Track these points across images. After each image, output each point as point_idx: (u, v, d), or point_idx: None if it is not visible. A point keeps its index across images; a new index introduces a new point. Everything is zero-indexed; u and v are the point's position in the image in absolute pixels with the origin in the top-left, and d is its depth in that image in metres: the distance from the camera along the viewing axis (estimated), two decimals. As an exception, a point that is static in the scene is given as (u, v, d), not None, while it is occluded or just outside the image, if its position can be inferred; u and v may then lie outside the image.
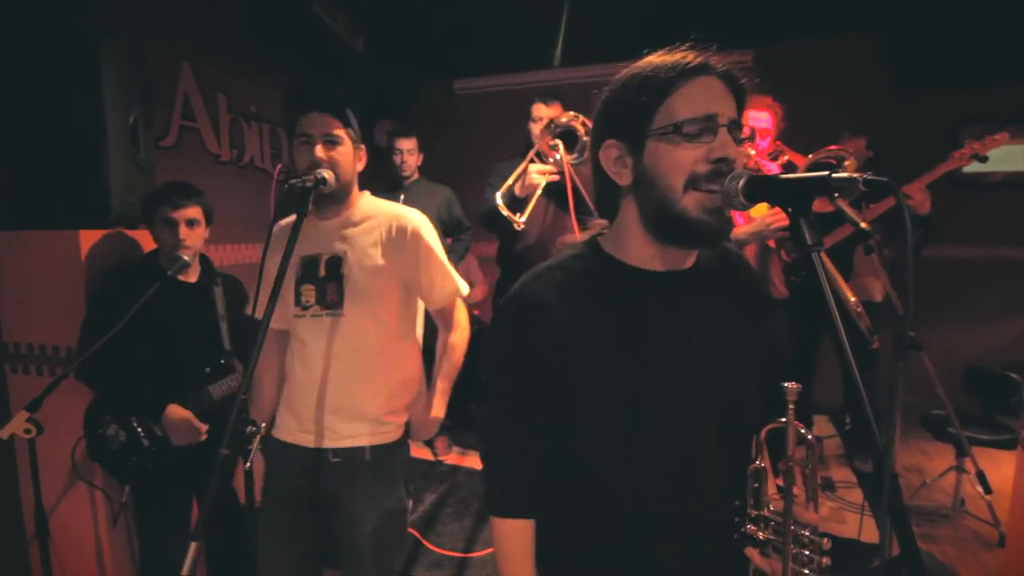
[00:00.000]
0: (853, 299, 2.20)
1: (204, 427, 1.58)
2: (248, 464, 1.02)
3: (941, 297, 3.42)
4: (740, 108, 0.74)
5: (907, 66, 3.52)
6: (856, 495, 2.65)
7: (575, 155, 2.10)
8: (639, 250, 0.78)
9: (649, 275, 0.79)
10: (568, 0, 3.38)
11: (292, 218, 1.20)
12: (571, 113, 2.12)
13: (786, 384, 0.72)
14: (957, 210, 3.16)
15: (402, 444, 1.34)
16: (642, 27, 2.27)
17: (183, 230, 1.61)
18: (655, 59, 0.74)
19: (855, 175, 0.55)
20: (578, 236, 0.91)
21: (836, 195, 0.58)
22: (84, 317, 1.63)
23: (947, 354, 2.95)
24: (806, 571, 0.71)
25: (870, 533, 2.09)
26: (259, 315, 1.08)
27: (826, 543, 0.70)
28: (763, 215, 1.93)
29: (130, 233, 1.87)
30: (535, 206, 2.16)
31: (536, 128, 2.34)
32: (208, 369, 1.66)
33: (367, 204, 1.34)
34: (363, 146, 1.33)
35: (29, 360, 1.84)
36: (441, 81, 4.50)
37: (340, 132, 1.26)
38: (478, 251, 3.88)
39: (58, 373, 1.67)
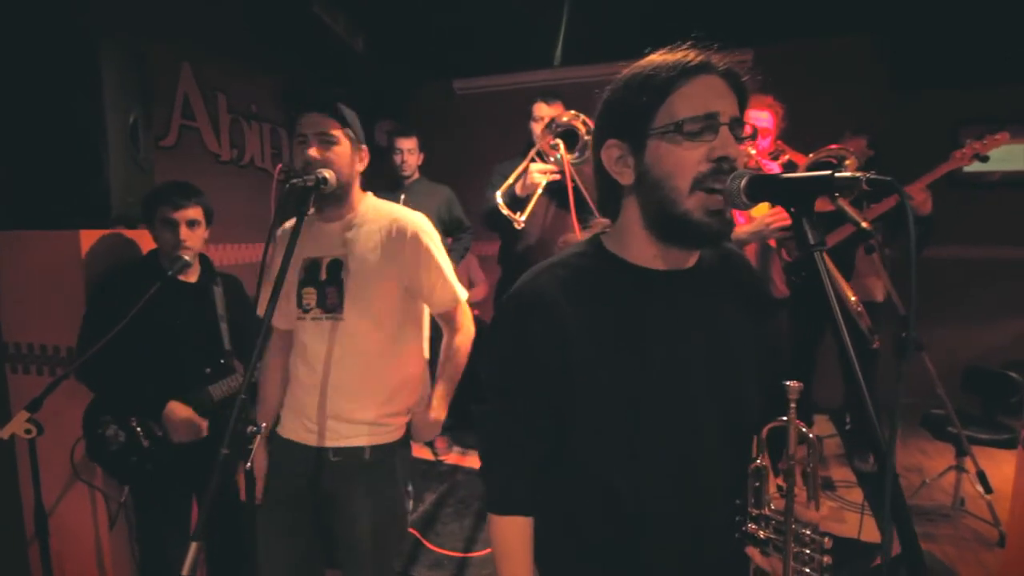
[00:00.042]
0: (853, 299, 2.20)
1: (204, 423, 1.58)
2: (248, 464, 1.02)
3: (941, 297, 3.42)
4: (742, 106, 0.74)
5: (907, 66, 3.52)
6: (856, 494, 2.65)
7: (576, 154, 2.10)
8: (641, 249, 0.78)
9: (651, 274, 0.79)
10: (568, 0, 3.37)
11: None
12: (572, 112, 2.12)
13: (788, 383, 0.72)
14: (957, 210, 3.16)
15: (403, 444, 1.34)
16: (642, 27, 2.28)
17: (184, 231, 1.61)
18: (656, 58, 0.74)
19: (858, 174, 0.55)
20: (579, 236, 0.91)
21: (836, 195, 0.58)
22: (83, 317, 1.63)
23: (947, 354, 2.95)
24: (807, 570, 0.71)
25: (870, 532, 2.09)
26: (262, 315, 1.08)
27: (827, 542, 0.70)
28: (763, 214, 1.93)
29: (130, 233, 1.87)
30: (536, 205, 2.16)
31: (537, 127, 2.34)
32: (208, 370, 1.66)
33: (369, 206, 1.34)
34: (364, 146, 1.32)
35: (29, 360, 1.84)
36: (441, 81, 4.50)
37: (336, 131, 1.25)
38: (478, 251, 3.88)
39: (58, 373, 1.67)
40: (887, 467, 0.52)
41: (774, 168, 2.22)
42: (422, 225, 1.30)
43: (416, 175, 3.12)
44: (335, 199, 1.28)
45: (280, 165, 1.29)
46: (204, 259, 1.76)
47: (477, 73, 4.36)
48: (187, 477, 1.62)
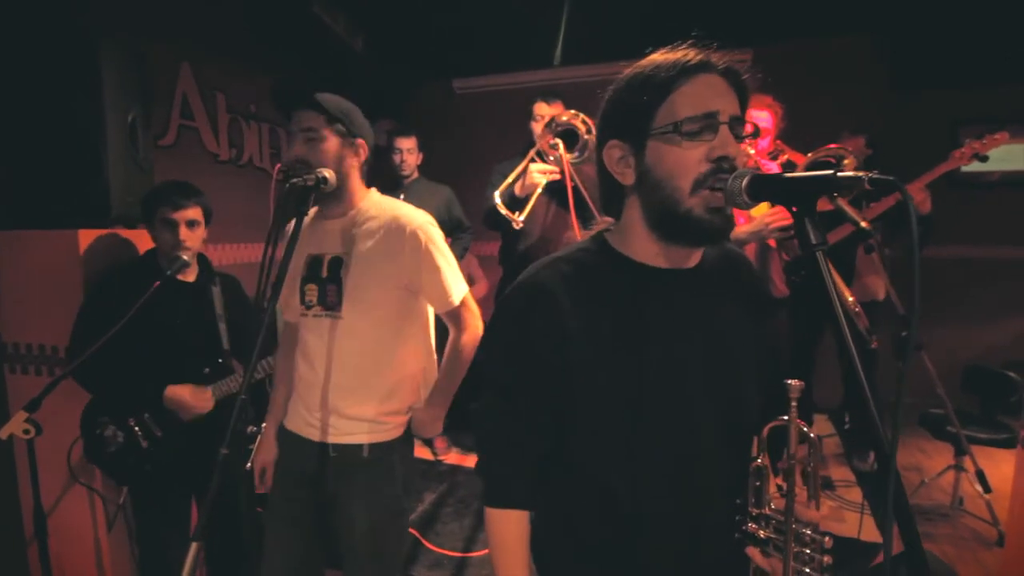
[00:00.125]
0: (851, 299, 2.20)
1: (208, 391, 1.59)
2: (248, 465, 1.02)
3: (941, 297, 3.43)
4: (743, 104, 0.74)
5: (907, 66, 3.52)
6: (855, 494, 2.65)
7: (575, 154, 2.10)
8: (644, 247, 0.78)
9: (653, 272, 0.78)
10: (568, 0, 3.37)
11: (306, 220, 1.22)
12: (571, 112, 2.12)
13: (789, 381, 0.72)
14: (956, 210, 3.16)
15: (402, 442, 1.34)
16: (642, 26, 2.28)
17: (183, 231, 1.60)
18: (657, 57, 0.74)
19: (860, 174, 0.54)
20: (579, 235, 0.91)
21: (835, 194, 0.58)
22: (77, 315, 1.62)
23: (946, 353, 2.95)
24: (807, 570, 0.71)
25: (870, 532, 2.09)
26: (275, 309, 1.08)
27: (827, 541, 0.70)
28: (763, 214, 1.93)
29: (128, 233, 1.86)
30: (536, 205, 2.16)
31: (538, 127, 2.34)
32: (207, 370, 1.65)
33: (372, 203, 1.32)
34: (360, 140, 1.28)
35: (28, 360, 1.84)
36: (441, 81, 4.50)
37: (321, 126, 1.23)
38: (478, 251, 3.88)
39: (57, 373, 1.66)
40: (890, 467, 0.52)
41: (773, 168, 2.22)
42: (423, 223, 1.28)
43: (415, 175, 3.12)
44: (334, 197, 1.28)
45: (279, 165, 1.28)
46: (202, 259, 1.75)
47: (477, 73, 4.36)
48: (186, 477, 1.62)
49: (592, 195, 2.04)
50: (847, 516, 2.46)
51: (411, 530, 2.40)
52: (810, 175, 0.60)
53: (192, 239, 1.63)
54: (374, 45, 3.88)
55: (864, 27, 3.47)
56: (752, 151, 2.04)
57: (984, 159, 2.15)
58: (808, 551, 0.71)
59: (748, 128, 0.74)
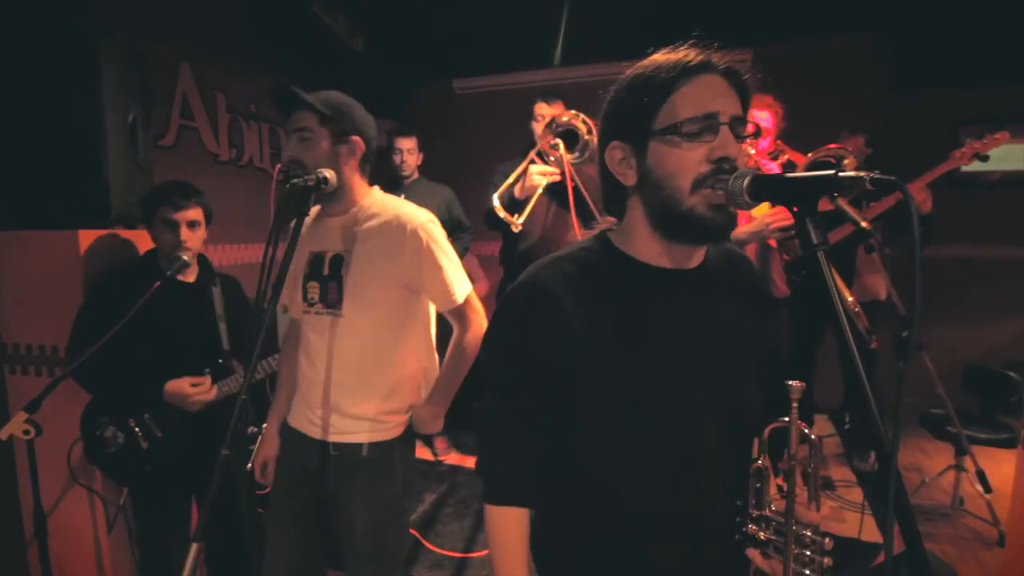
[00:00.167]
0: (851, 299, 2.20)
1: (207, 380, 1.60)
2: (249, 465, 1.02)
3: (941, 296, 3.43)
4: (745, 104, 0.74)
5: (907, 66, 3.52)
6: (856, 494, 2.65)
7: (576, 154, 2.10)
8: (647, 247, 0.78)
9: (656, 272, 0.78)
10: (568, 0, 3.37)
11: (312, 215, 1.22)
12: (572, 112, 2.12)
13: (790, 382, 0.72)
14: (956, 209, 3.16)
15: (403, 442, 1.33)
16: (642, 27, 2.27)
17: (184, 231, 1.60)
18: (658, 58, 0.74)
19: (862, 174, 0.54)
20: (579, 236, 0.91)
21: (836, 194, 0.58)
22: (77, 315, 1.61)
23: (947, 353, 2.95)
24: (807, 571, 0.71)
25: (870, 532, 2.09)
26: (281, 305, 1.08)
27: (828, 543, 0.70)
28: (764, 214, 1.93)
29: (129, 233, 1.86)
30: (537, 205, 2.16)
31: (538, 127, 2.34)
32: (207, 370, 1.65)
33: (374, 201, 1.32)
34: (355, 137, 1.26)
35: (28, 361, 1.84)
36: (441, 81, 4.50)
37: (312, 125, 1.23)
38: (478, 251, 3.87)
39: (57, 374, 1.66)
40: (891, 467, 0.52)
41: (773, 168, 2.22)
42: (424, 222, 1.27)
43: (415, 175, 3.12)
44: (334, 196, 1.28)
45: (279, 165, 1.28)
46: (202, 259, 1.75)
47: (477, 73, 4.35)
48: (186, 478, 1.62)
49: (593, 195, 2.04)
50: (847, 516, 2.46)
51: (411, 531, 2.40)
52: (811, 175, 0.60)
53: (193, 240, 1.63)
54: (374, 45, 3.88)
55: (864, 27, 3.47)
56: (752, 151, 2.04)
57: (984, 159, 2.15)
58: (808, 553, 0.71)
59: (750, 128, 0.73)
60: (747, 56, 3.46)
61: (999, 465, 2.60)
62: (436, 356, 1.41)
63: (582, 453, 0.79)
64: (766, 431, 0.77)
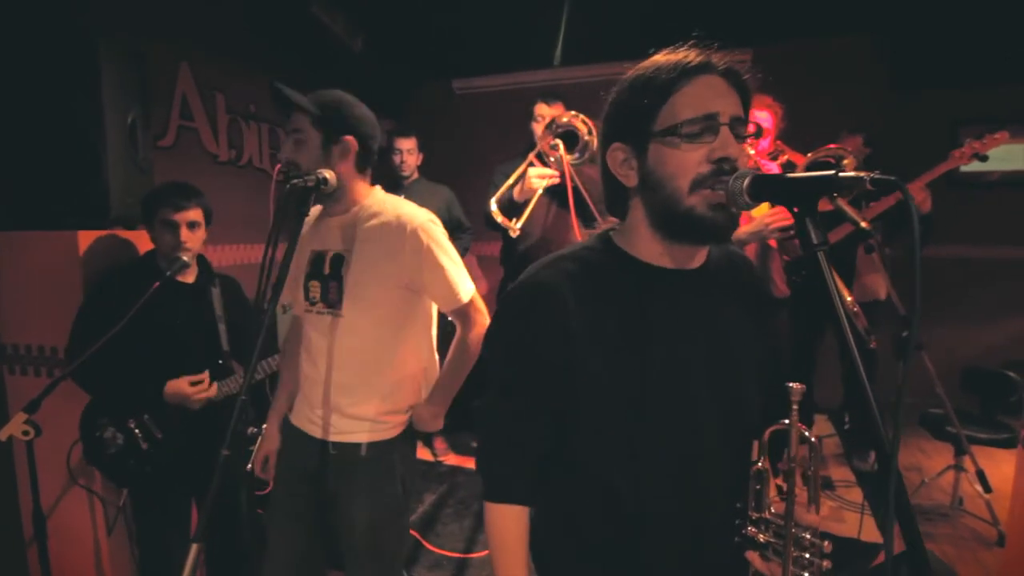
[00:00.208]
0: (850, 298, 2.21)
1: (205, 375, 1.60)
2: (249, 466, 1.02)
3: (940, 296, 3.43)
4: (746, 104, 0.74)
5: (907, 66, 3.52)
6: (856, 494, 2.65)
7: (575, 155, 2.10)
8: (648, 247, 0.78)
9: (657, 272, 0.78)
10: (568, 0, 3.37)
11: (314, 214, 1.23)
12: (572, 113, 2.12)
13: (791, 385, 0.72)
14: (956, 209, 3.16)
15: (402, 441, 1.33)
16: (642, 27, 2.27)
17: (184, 232, 1.60)
18: (659, 59, 0.74)
19: (862, 174, 0.54)
20: (579, 236, 0.91)
21: (835, 194, 0.58)
22: (76, 316, 1.61)
23: (946, 353, 2.95)
24: (806, 574, 0.71)
25: (870, 532, 2.09)
26: (281, 305, 1.08)
27: (827, 546, 0.70)
28: (764, 214, 1.93)
29: (129, 234, 1.86)
30: (537, 206, 2.16)
31: (538, 128, 2.34)
32: (207, 371, 1.65)
33: (375, 200, 1.32)
34: (348, 137, 1.25)
35: (27, 361, 1.84)
36: (441, 81, 4.50)
37: (305, 127, 1.23)
38: (479, 251, 3.88)
39: (56, 374, 1.66)
40: (891, 467, 0.52)
41: (773, 168, 2.22)
42: (424, 222, 1.26)
43: (415, 175, 3.12)
44: (333, 197, 1.28)
45: (279, 166, 1.28)
46: (202, 260, 1.75)
47: (477, 73, 4.35)
48: (186, 479, 1.62)
49: (593, 196, 2.03)
50: (847, 516, 2.46)
51: (411, 531, 2.40)
52: (812, 175, 0.60)
53: (193, 240, 1.62)
54: (373, 45, 3.87)
55: (864, 27, 3.47)
56: (752, 151, 2.04)
57: (984, 159, 2.15)
58: (807, 556, 0.71)
59: (750, 128, 0.73)
60: (747, 56, 3.46)
61: (999, 465, 2.60)
62: (437, 357, 1.41)
63: (582, 453, 0.79)
64: (766, 434, 0.77)
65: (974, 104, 3.50)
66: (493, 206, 2.13)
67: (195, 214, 1.63)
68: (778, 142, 2.38)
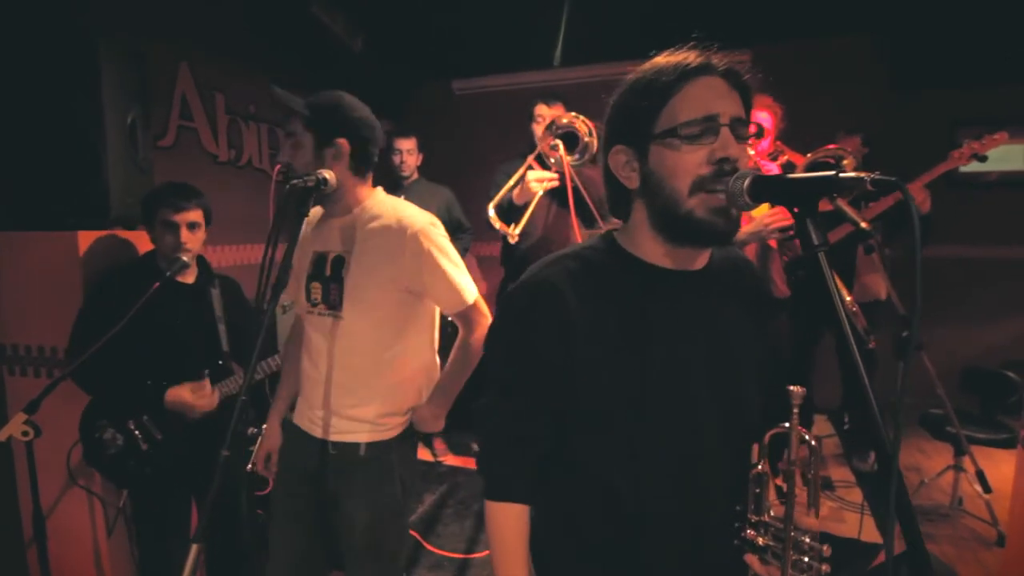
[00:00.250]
0: (849, 298, 2.21)
1: (206, 385, 1.59)
2: (249, 466, 1.02)
3: (940, 297, 3.43)
4: (747, 105, 0.74)
5: (907, 66, 3.52)
6: (855, 494, 2.65)
7: (576, 156, 2.10)
8: (650, 248, 0.79)
9: (659, 272, 0.79)
10: (568, 0, 3.37)
11: (316, 215, 1.23)
12: (572, 113, 2.12)
13: (791, 387, 0.72)
14: (955, 210, 3.16)
15: (402, 441, 1.33)
16: (642, 27, 2.27)
17: (184, 233, 1.60)
18: (660, 61, 0.74)
19: (862, 174, 0.54)
20: (579, 237, 0.91)
21: (835, 194, 0.58)
22: (76, 316, 1.61)
23: (946, 353, 2.95)
24: (805, 577, 0.71)
25: (870, 532, 2.10)
26: (281, 305, 1.08)
27: (826, 550, 0.70)
28: (763, 215, 1.93)
29: (128, 234, 1.86)
30: (537, 206, 2.16)
31: (538, 128, 2.34)
32: (207, 371, 1.65)
33: (376, 202, 1.31)
34: (341, 140, 1.23)
35: (27, 362, 1.83)
36: (440, 81, 4.50)
37: (299, 130, 1.23)
38: (479, 251, 3.88)
39: (56, 375, 1.66)
40: (892, 467, 0.52)
41: (773, 169, 2.22)
42: (424, 225, 1.25)
43: (415, 176, 3.12)
44: (333, 198, 1.28)
45: (279, 166, 1.28)
46: (202, 260, 1.75)
47: (477, 73, 4.35)
48: (186, 480, 1.62)
49: (593, 197, 2.04)
50: (847, 516, 2.47)
51: (412, 532, 2.40)
52: (812, 176, 0.60)
53: (193, 241, 1.62)
54: (373, 45, 3.87)
55: (864, 27, 3.47)
56: (752, 152, 2.04)
57: (983, 159, 2.15)
58: (806, 559, 0.71)
59: (751, 128, 0.73)
60: (747, 56, 3.46)
61: (998, 465, 2.60)
62: (438, 359, 1.40)
63: (582, 452, 0.79)
64: (767, 437, 0.77)
65: (974, 104, 3.51)
66: (491, 211, 2.13)
67: (195, 215, 1.63)
68: (778, 143, 2.38)
